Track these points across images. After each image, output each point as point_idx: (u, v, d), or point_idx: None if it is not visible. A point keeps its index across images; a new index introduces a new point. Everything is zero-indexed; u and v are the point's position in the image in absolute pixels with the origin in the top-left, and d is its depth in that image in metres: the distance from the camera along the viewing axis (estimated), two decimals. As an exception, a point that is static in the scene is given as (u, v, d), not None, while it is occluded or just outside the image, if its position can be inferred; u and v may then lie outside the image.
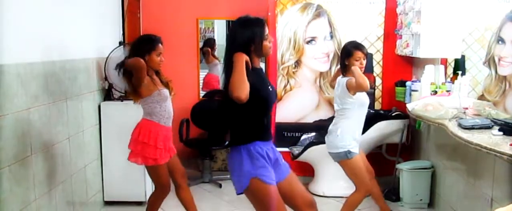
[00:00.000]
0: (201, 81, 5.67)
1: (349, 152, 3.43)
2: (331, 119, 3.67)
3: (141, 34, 5.28)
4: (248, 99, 2.41)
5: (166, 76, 3.52)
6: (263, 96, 2.58)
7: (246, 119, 2.59)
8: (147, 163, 3.35)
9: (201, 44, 5.59)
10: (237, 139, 2.63)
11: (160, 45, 3.36)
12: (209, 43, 5.78)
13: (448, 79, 4.24)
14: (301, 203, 2.78)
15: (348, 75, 3.45)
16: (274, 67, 4.95)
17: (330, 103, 4.89)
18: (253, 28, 2.56)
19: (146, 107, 3.36)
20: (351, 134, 3.45)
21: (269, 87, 2.67)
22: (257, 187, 2.56)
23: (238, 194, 2.63)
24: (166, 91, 3.40)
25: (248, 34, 2.54)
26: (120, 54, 4.22)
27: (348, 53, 3.46)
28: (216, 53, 5.86)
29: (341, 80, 3.47)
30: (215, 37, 5.81)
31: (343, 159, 3.46)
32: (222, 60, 5.67)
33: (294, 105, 5.02)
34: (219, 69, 5.70)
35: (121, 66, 3.38)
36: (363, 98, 3.48)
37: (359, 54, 3.43)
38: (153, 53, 3.32)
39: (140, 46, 3.35)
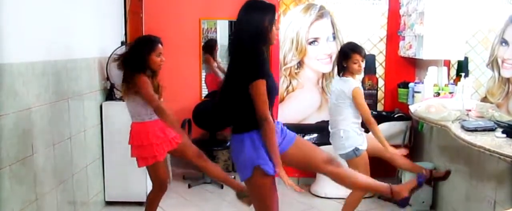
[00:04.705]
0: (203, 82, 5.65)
1: (357, 149, 3.43)
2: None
3: (144, 34, 5.28)
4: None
5: (161, 78, 3.47)
6: (271, 84, 2.57)
7: (250, 107, 2.54)
8: (148, 163, 3.36)
9: (203, 45, 5.56)
10: (240, 127, 2.61)
11: (159, 45, 3.34)
12: (210, 44, 5.71)
13: (451, 81, 4.22)
14: (320, 162, 2.75)
15: (346, 75, 3.43)
16: (276, 68, 4.94)
17: (333, 104, 4.87)
18: (264, 12, 2.53)
19: (131, 108, 3.37)
20: (353, 130, 3.44)
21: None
22: (258, 177, 2.56)
23: (242, 180, 2.65)
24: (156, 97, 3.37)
25: (259, 19, 2.51)
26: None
27: (345, 56, 3.45)
28: (217, 54, 5.80)
29: (344, 84, 3.43)
30: (218, 38, 5.77)
31: (351, 157, 3.45)
32: (223, 61, 5.69)
33: (296, 106, 5.01)
34: (218, 71, 5.67)
35: (118, 59, 3.41)
36: None
37: (357, 56, 3.41)
38: (152, 53, 3.30)
39: (139, 47, 3.34)
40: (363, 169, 3.47)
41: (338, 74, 3.51)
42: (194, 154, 3.55)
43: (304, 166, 2.79)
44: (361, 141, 3.46)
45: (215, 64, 5.68)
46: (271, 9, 2.56)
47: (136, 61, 3.30)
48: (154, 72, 3.39)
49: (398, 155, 3.59)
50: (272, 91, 2.60)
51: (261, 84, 2.48)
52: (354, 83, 3.42)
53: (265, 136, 2.51)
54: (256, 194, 2.65)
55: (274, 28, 2.56)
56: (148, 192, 4.26)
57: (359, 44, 3.64)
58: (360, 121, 3.51)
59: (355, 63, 3.41)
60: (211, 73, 5.78)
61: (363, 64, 3.45)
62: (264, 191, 2.60)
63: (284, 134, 2.73)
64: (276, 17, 2.57)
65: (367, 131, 3.57)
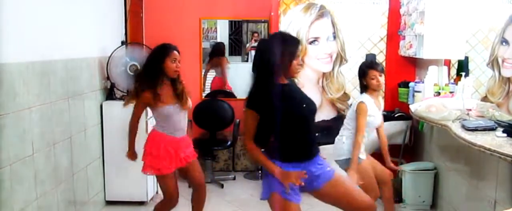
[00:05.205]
0: (208, 82, 5.64)
1: (358, 157, 3.40)
2: (333, 120, 3.65)
3: (144, 34, 5.30)
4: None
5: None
6: (292, 113, 2.55)
7: (280, 136, 2.55)
8: (153, 173, 3.38)
9: (204, 45, 5.56)
10: (273, 152, 2.58)
11: (174, 51, 3.32)
12: (219, 48, 5.67)
13: (452, 81, 4.22)
14: (355, 207, 2.72)
15: (367, 93, 3.45)
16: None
17: (333, 103, 4.87)
18: (286, 45, 2.55)
19: (156, 116, 3.37)
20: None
21: (302, 102, 2.63)
22: (276, 202, 2.58)
23: (261, 199, 2.66)
24: (171, 108, 3.32)
25: (279, 51, 2.52)
26: (122, 54, 4.22)
27: (363, 73, 3.46)
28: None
29: (358, 98, 3.46)
30: (218, 37, 5.77)
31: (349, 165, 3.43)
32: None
33: (296, 106, 5.00)
34: (225, 71, 5.68)
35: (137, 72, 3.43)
36: (371, 120, 3.46)
37: (373, 72, 3.41)
38: (167, 59, 3.28)
39: (155, 54, 3.34)
40: (366, 177, 3.44)
41: (361, 92, 3.53)
42: (198, 180, 3.54)
43: (338, 206, 2.76)
44: (362, 149, 3.45)
45: (228, 65, 5.66)
46: (294, 43, 2.60)
47: (152, 68, 3.28)
48: (173, 80, 3.37)
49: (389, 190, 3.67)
50: (297, 115, 2.56)
51: (248, 114, 2.53)
52: (363, 98, 3.43)
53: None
54: None
55: (294, 61, 2.58)
56: (148, 191, 4.29)
57: (374, 58, 3.61)
58: (367, 137, 3.51)
59: (372, 79, 3.41)
60: (220, 76, 5.73)
61: (381, 79, 3.44)
62: None
63: (322, 170, 2.68)
64: (298, 52, 2.59)
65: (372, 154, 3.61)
